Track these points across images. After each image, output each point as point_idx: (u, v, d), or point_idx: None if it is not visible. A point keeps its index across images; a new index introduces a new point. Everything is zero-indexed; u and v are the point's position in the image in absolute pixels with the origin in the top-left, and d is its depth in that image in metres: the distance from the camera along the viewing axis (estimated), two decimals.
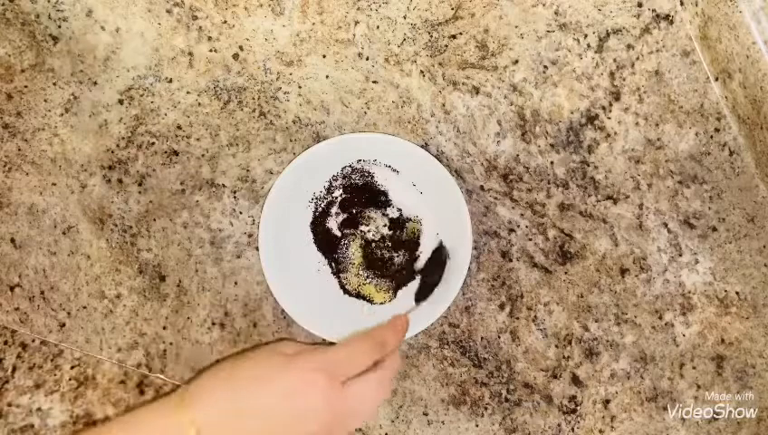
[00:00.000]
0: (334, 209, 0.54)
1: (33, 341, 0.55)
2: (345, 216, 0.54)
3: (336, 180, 0.54)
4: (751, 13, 0.49)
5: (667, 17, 0.53)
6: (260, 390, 0.41)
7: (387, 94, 0.54)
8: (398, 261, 0.54)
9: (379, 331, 0.45)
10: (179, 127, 0.55)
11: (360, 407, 0.42)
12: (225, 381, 0.42)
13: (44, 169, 0.55)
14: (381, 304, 0.53)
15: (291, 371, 0.41)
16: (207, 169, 0.55)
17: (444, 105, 0.54)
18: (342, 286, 0.54)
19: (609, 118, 0.54)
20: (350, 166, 0.53)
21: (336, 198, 0.54)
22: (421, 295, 0.52)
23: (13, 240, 0.55)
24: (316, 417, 0.40)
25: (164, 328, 0.54)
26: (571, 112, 0.54)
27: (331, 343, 0.47)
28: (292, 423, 0.41)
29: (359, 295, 0.54)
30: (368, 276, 0.54)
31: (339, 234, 0.54)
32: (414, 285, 0.53)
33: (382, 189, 0.54)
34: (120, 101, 0.55)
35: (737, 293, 0.53)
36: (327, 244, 0.54)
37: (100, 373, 0.55)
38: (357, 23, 0.54)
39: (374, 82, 0.54)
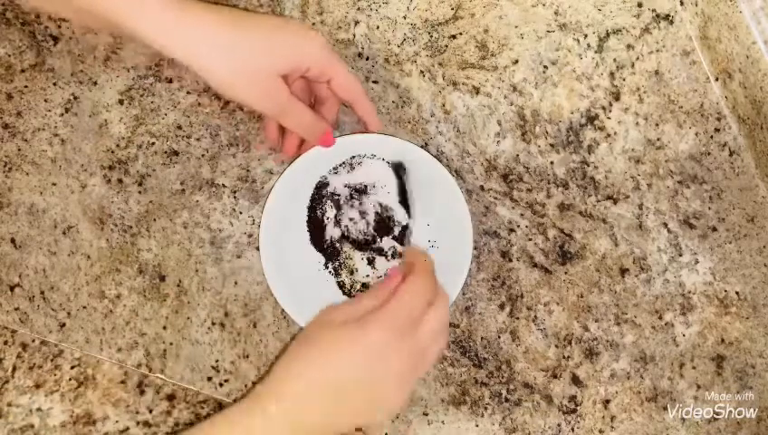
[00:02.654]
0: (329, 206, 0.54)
1: (33, 341, 0.55)
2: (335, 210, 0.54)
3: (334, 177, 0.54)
4: (751, 13, 0.49)
5: (667, 17, 0.53)
6: (339, 362, 0.41)
7: (387, 94, 0.54)
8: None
9: (414, 264, 0.46)
10: (179, 127, 0.55)
11: (430, 343, 0.44)
12: (298, 368, 0.42)
13: (44, 169, 0.55)
14: None
15: (363, 337, 0.42)
16: (207, 169, 0.55)
17: (444, 105, 0.54)
18: (342, 286, 0.54)
19: (609, 118, 0.54)
20: (348, 163, 0.53)
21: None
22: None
23: (13, 240, 0.55)
24: (396, 371, 0.42)
25: (164, 328, 0.54)
26: (571, 112, 0.54)
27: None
28: (376, 387, 0.42)
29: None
30: (366, 275, 0.54)
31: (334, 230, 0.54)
32: None
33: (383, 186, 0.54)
34: (120, 101, 0.55)
35: (737, 293, 0.54)
36: (325, 243, 0.54)
37: (100, 373, 0.55)
38: (357, 23, 0.54)
39: (374, 82, 0.54)
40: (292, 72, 0.46)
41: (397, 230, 0.54)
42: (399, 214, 0.54)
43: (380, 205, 0.54)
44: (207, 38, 0.43)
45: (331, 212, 0.54)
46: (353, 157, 0.52)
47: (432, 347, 0.44)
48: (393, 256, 0.54)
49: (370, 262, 0.54)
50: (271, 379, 0.42)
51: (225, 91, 0.45)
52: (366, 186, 0.53)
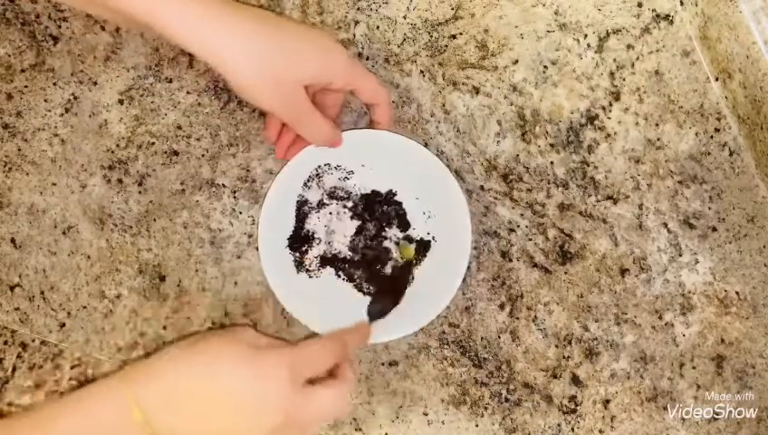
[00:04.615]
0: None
1: (33, 341, 0.55)
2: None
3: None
4: (751, 13, 0.49)
5: (667, 17, 0.53)
6: (220, 373, 0.40)
7: None
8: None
9: (343, 332, 0.47)
10: (179, 127, 0.55)
11: (316, 415, 0.42)
12: (178, 359, 0.41)
13: (44, 169, 0.55)
14: (409, 260, 0.53)
15: (257, 361, 0.40)
16: (207, 169, 0.55)
17: (444, 105, 0.54)
18: (360, 288, 0.53)
19: (609, 118, 0.54)
20: (315, 175, 0.53)
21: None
22: (375, 315, 0.51)
23: (13, 240, 0.55)
24: (271, 412, 0.40)
25: (164, 328, 0.54)
26: (571, 112, 0.54)
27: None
28: (245, 414, 0.40)
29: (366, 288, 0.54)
30: (378, 267, 0.54)
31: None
32: (437, 253, 0.53)
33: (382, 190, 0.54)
34: (120, 101, 0.55)
35: (737, 293, 0.54)
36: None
37: (100, 373, 0.55)
38: (357, 23, 0.54)
39: None
40: (315, 84, 0.47)
41: (391, 212, 0.54)
42: (385, 190, 0.54)
43: (363, 196, 0.53)
44: (238, 41, 0.43)
45: (321, 230, 0.53)
46: (318, 166, 0.52)
47: (311, 426, 0.43)
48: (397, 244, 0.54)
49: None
50: (148, 364, 0.41)
51: (246, 94, 0.45)
52: (342, 184, 0.53)
